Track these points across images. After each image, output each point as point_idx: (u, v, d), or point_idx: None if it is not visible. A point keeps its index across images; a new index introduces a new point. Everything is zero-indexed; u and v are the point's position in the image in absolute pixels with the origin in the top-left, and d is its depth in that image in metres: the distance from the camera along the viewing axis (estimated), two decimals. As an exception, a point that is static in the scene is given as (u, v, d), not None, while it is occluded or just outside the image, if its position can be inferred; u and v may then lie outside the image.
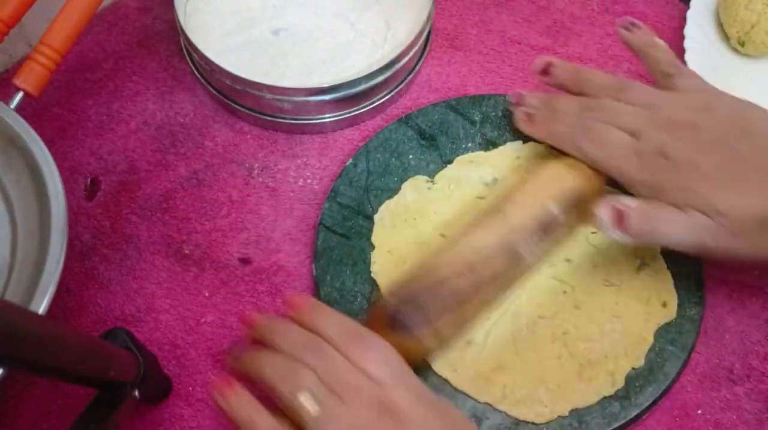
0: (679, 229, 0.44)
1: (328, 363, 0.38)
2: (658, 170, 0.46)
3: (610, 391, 0.46)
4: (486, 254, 0.45)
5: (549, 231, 0.47)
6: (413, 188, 0.54)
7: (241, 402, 0.38)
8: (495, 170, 0.54)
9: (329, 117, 0.56)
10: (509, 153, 0.55)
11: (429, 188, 0.54)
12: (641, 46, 0.51)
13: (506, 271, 0.46)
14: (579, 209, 0.48)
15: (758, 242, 0.43)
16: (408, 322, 0.42)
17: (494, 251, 0.45)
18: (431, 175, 0.54)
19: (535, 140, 0.55)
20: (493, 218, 0.47)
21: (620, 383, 0.47)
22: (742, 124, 0.46)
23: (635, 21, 0.52)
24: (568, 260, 0.51)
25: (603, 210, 0.45)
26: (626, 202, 0.45)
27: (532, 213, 0.47)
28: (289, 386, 0.38)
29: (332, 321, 0.41)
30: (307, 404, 0.37)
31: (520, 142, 0.55)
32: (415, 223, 0.52)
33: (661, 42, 0.51)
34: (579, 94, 0.51)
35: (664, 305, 0.49)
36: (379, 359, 0.39)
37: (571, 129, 0.50)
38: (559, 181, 0.48)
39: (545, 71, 0.53)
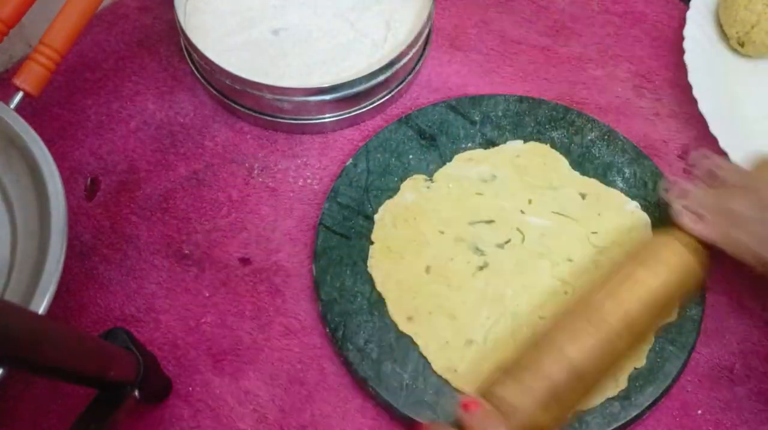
0: None
1: None
2: None
3: (613, 392, 0.46)
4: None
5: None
6: (412, 188, 0.54)
7: None
8: (494, 168, 0.54)
9: (329, 117, 0.56)
10: (509, 151, 0.55)
11: (428, 187, 0.54)
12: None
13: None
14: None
15: None
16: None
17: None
18: (430, 174, 0.54)
19: (536, 141, 0.56)
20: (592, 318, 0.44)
21: (623, 383, 0.47)
22: None
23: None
24: (569, 260, 0.51)
25: None
26: None
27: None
28: None
29: None
30: None
31: (521, 141, 0.55)
32: (416, 222, 0.52)
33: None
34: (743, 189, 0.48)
35: None
36: None
37: (751, 238, 0.45)
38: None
39: (712, 175, 0.49)
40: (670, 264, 0.45)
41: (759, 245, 0.45)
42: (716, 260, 0.51)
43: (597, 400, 0.46)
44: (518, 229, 0.52)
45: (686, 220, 0.47)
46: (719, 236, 0.47)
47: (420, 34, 0.56)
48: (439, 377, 0.47)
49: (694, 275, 0.46)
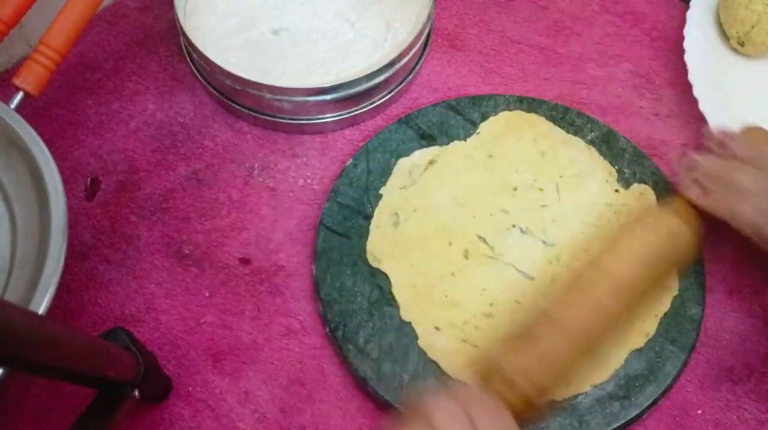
0: None
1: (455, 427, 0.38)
2: None
3: (640, 343, 0.48)
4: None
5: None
6: (405, 173, 0.54)
7: None
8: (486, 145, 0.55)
9: (329, 117, 0.56)
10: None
11: (420, 175, 0.54)
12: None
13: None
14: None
15: None
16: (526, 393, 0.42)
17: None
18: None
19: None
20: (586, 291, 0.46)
21: (652, 329, 0.48)
22: None
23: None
24: (573, 251, 0.51)
25: None
26: None
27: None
28: None
29: (465, 391, 0.41)
30: None
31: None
32: (416, 214, 0.52)
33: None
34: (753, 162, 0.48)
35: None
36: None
37: (754, 210, 0.46)
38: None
39: (723, 146, 0.49)
40: (656, 229, 0.47)
41: (759, 218, 0.46)
42: (716, 252, 0.51)
43: (622, 355, 0.47)
44: (518, 217, 0.52)
45: (689, 190, 0.49)
46: (721, 208, 0.48)
47: (420, 34, 0.56)
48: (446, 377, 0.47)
49: (684, 240, 0.47)
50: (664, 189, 0.53)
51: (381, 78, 0.55)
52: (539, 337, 0.43)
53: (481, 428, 0.38)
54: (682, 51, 0.58)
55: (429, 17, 0.57)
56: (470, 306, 0.49)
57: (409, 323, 0.49)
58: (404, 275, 0.50)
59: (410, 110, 0.58)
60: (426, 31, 0.58)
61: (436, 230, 0.52)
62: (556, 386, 0.44)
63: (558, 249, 0.51)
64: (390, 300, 0.50)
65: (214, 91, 0.57)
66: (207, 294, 0.51)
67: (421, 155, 0.55)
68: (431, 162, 0.54)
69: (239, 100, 0.56)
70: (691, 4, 0.61)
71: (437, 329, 0.48)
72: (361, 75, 0.54)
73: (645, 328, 0.48)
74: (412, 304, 0.49)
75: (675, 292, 0.49)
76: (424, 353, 0.48)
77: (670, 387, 0.47)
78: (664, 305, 0.49)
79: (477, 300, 0.49)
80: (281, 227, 0.54)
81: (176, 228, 0.54)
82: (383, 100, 0.57)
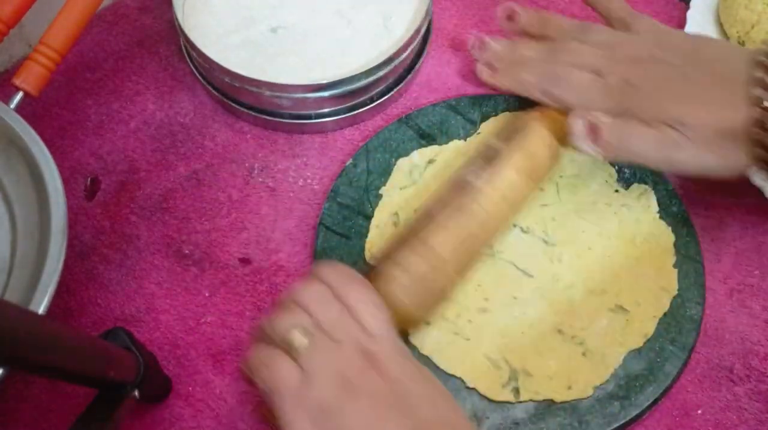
0: (649, 142, 0.46)
1: (323, 306, 0.40)
2: (624, 98, 0.48)
3: (638, 343, 0.47)
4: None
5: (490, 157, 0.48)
6: (405, 173, 0.54)
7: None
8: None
9: (329, 117, 0.56)
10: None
11: (420, 175, 0.54)
12: None
13: (458, 201, 0.47)
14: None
15: (724, 154, 0.45)
16: (387, 275, 0.44)
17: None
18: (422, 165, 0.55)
19: None
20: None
21: (650, 330, 0.48)
22: (698, 54, 0.48)
23: None
24: (577, 252, 0.51)
25: (577, 122, 0.47)
26: (599, 116, 0.47)
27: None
28: (285, 323, 0.40)
29: (334, 269, 0.43)
30: (297, 338, 0.39)
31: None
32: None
33: None
34: (542, 39, 0.53)
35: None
36: (372, 312, 0.41)
37: (537, 76, 0.51)
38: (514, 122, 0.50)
39: (510, 17, 0.54)
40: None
41: (541, 81, 0.50)
42: (716, 252, 0.51)
43: (621, 355, 0.47)
44: (519, 216, 0.52)
45: (481, 73, 0.51)
46: (510, 81, 0.51)
47: (418, 29, 0.56)
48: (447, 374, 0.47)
49: (538, 136, 0.49)
50: (665, 189, 0.53)
51: (380, 74, 0.55)
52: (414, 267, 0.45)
53: (351, 303, 0.40)
54: (682, 51, 0.58)
55: (427, 13, 0.57)
56: (464, 301, 0.49)
57: None
58: None
59: (410, 110, 0.58)
60: (424, 27, 0.58)
61: (435, 230, 0.52)
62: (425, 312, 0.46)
63: (559, 248, 0.51)
64: (390, 300, 0.50)
65: (214, 91, 0.57)
66: (207, 294, 0.52)
67: (420, 155, 0.55)
68: (431, 162, 0.54)
69: (239, 98, 0.56)
70: (691, 4, 0.61)
71: (427, 323, 0.48)
72: (360, 71, 0.54)
73: (644, 328, 0.48)
74: None
75: (675, 292, 0.49)
76: (417, 349, 0.48)
77: (670, 387, 0.47)
78: (664, 305, 0.49)
79: (471, 295, 0.49)
80: (281, 227, 0.54)
81: (176, 228, 0.54)
82: (383, 99, 0.57)
